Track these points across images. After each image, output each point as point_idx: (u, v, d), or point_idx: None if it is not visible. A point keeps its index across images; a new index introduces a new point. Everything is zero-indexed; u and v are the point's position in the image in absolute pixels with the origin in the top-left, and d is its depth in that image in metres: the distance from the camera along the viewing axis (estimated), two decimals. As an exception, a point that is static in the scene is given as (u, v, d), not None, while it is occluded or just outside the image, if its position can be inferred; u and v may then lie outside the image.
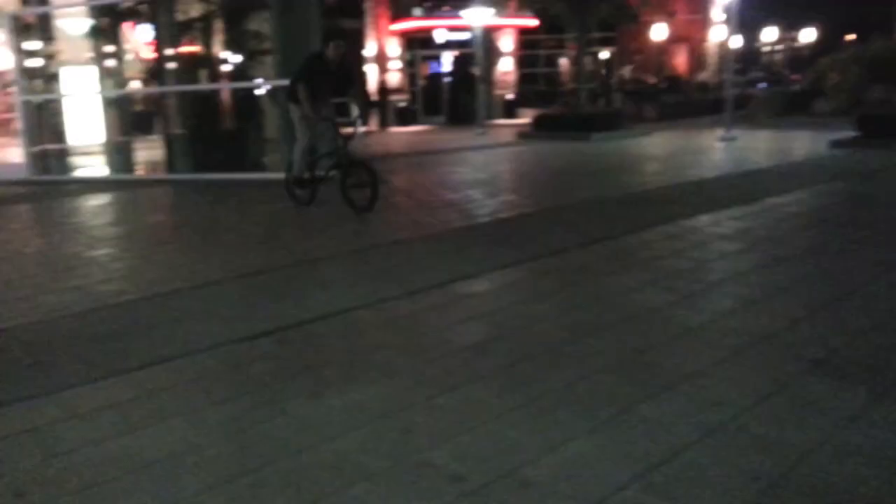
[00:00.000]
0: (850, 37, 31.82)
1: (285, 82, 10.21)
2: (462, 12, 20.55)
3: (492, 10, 20.00)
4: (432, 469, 2.28)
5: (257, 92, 12.52)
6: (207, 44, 13.58)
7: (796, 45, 37.82)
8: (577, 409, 2.66)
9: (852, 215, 6.22)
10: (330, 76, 6.93)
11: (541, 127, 16.97)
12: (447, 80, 25.68)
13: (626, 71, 28.80)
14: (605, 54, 28.39)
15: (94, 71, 12.58)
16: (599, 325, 3.56)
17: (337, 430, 2.56)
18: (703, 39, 29.57)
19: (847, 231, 5.56)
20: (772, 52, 38.51)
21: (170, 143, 11.82)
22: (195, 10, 13.12)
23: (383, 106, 24.16)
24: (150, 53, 12.85)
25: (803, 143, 13.10)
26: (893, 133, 11.29)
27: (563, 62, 27.95)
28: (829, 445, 2.34)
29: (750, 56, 36.85)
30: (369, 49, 25.06)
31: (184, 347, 3.45)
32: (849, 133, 12.15)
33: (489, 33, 24.15)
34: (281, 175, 7.89)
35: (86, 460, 2.43)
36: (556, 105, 22.74)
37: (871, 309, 3.68)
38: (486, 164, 11.81)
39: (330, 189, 7.25)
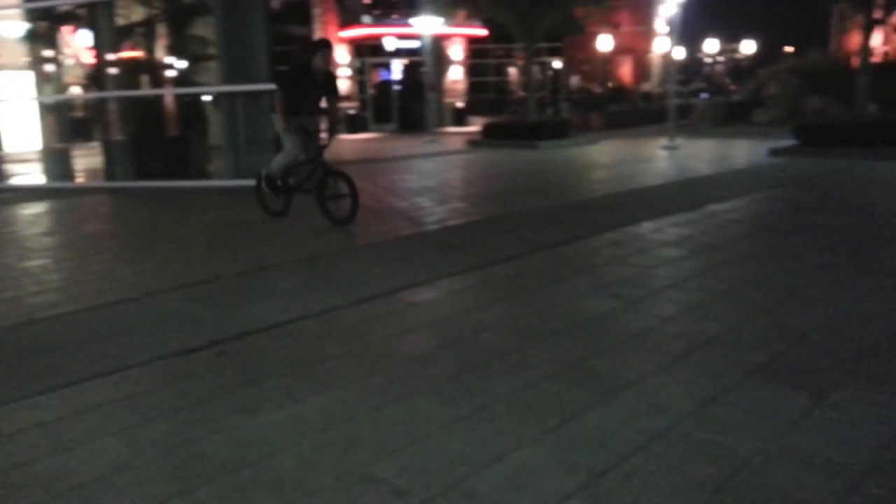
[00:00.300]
0: (789, 49, 32.98)
1: (233, 88, 10.07)
2: (411, 20, 20.57)
3: (440, 19, 20.07)
4: (376, 484, 2.22)
5: (204, 98, 12.27)
6: (150, 49, 13.25)
7: (737, 56, 38.99)
8: (524, 417, 2.64)
9: (791, 221, 6.39)
10: (316, 87, 6.63)
11: (490, 135, 17.08)
12: (397, 87, 25.66)
13: (574, 80, 29.25)
14: (553, 64, 28.78)
15: (30, 76, 12.14)
16: (546, 333, 3.56)
17: (277, 446, 2.48)
18: (647, 50, 30.27)
19: (786, 237, 5.71)
20: (714, 63, 39.61)
21: (109, 150, 11.47)
22: (137, 15, 12.80)
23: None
24: (90, 58, 12.49)
25: (743, 152, 13.46)
26: (829, 141, 11.70)
27: (512, 71, 28.24)
28: (770, 450, 2.36)
29: (693, 67, 37.85)
30: (318, 56, 24.85)
31: (119, 362, 3.31)
32: (787, 142, 12.54)
33: (439, 42, 24.24)
34: (226, 182, 7.72)
35: (10, 483, 2.29)
36: (506, 114, 22.94)
37: (811, 312, 3.76)
38: (436, 171, 11.81)
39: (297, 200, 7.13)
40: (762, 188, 8.41)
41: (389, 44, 25.12)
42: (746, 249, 5.30)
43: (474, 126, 22.22)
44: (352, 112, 24.77)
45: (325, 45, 6.67)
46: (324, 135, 7.01)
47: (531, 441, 2.47)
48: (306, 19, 24.38)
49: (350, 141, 21.11)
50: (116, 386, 3.06)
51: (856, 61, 15.52)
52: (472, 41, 26.66)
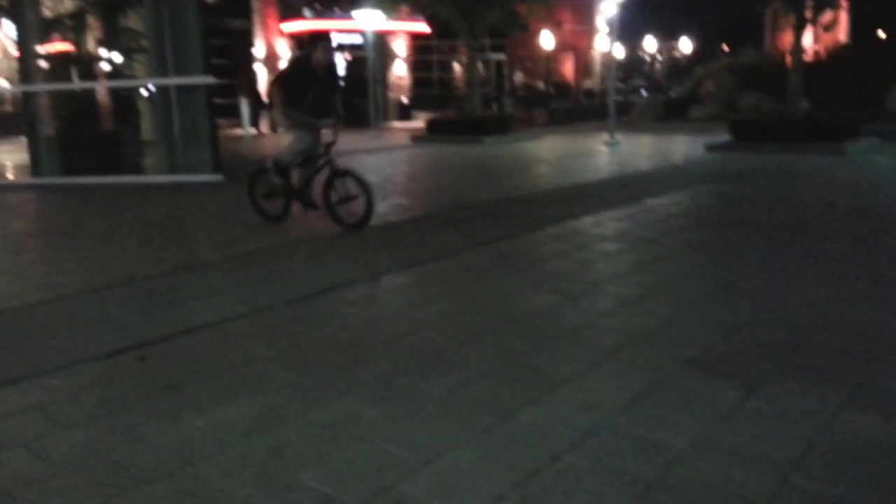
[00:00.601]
0: (725, 48, 33.84)
1: (167, 81, 9.74)
2: (354, 14, 20.33)
3: (383, 14, 19.90)
4: (300, 492, 2.12)
5: (143, 92, 11.88)
6: (80, 41, 12.74)
7: (675, 54, 39.84)
8: (458, 417, 2.58)
9: (726, 215, 6.51)
10: (317, 82, 6.19)
11: (434, 130, 17.03)
12: (340, 82, 25.36)
13: (518, 77, 29.44)
14: (497, 60, 28.89)
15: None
16: (483, 330, 3.51)
17: (198, 455, 2.35)
18: (588, 48, 30.67)
19: (721, 230, 5.80)
20: (653, 61, 40.39)
21: (37, 146, 10.98)
22: (65, 6, 12.29)
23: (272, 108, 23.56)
24: (17, 51, 11.93)
25: (681, 147, 13.72)
26: (763, 137, 12.02)
27: (456, 67, 28.24)
28: (702, 444, 2.36)
29: (632, 64, 38.55)
30: (258, 50, 24.37)
31: (32, 367, 3.12)
32: (723, 137, 12.83)
33: (382, 37, 24.05)
34: (160, 178, 7.42)
35: None
36: (450, 109, 22.92)
37: (744, 305, 3.81)
38: (378, 166, 11.68)
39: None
40: (698, 183, 8.56)
41: (336, 38, 24.82)
42: (682, 243, 5.36)
43: (419, 121, 22.13)
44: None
45: (325, 39, 6.35)
46: (327, 130, 6.42)
47: (464, 441, 2.40)
48: (246, 12, 23.87)
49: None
50: (28, 393, 2.87)
51: (789, 59, 16.00)
52: (416, 37, 26.57)
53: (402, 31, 25.55)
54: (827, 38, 23.36)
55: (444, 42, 26.71)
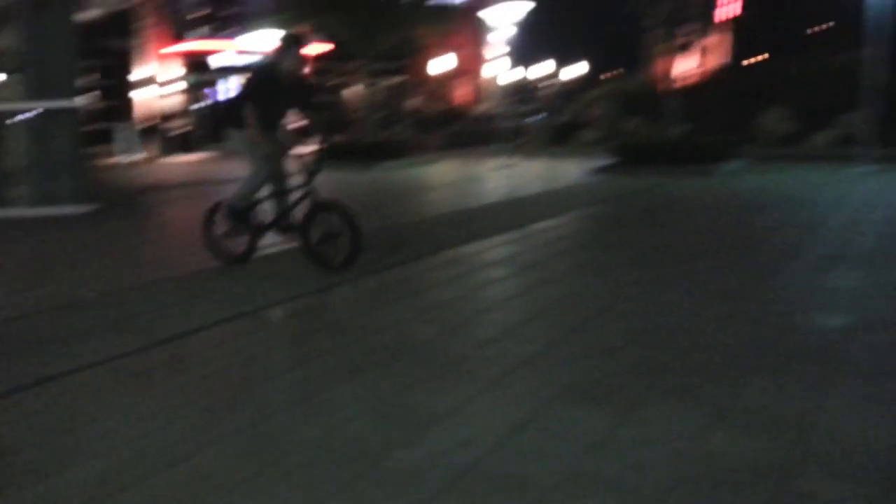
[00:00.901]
0: (612, 73, 35.38)
1: (33, 105, 9.10)
2: (248, 35, 19.89)
3: (277, 35, 19.57)
4: (141, 564, 1.92)
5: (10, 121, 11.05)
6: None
7: (567, 79, 41.28)
8: (325, 467, 2.43)
9: (607, 237, 6.69)
10: (285, 95, 5.35)
11: (329, 155, 16.79)
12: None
13: (414, 101, 29.64)
14: (395, 83, 28.99)
15: None
16: (361, 366, 3.38)
17: (26, 528, 2.10)
18: (481, 73, 31.30)
19: (602, 253, 5.94)
20: (545, 86, 41.70)
21: None
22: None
23: (159, 132, 22.64)
24: None
25: (570, 170, 14.12)
26: (644, 159, 12.55)
27: (352, 90, 28.11)
28: (571, 477, 2.32)
29: (526, 89, 39.65)
30: (142, 71, 23.42)
31: None
32: (608, 160, 13.30)
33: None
34: (26, 211, 6.84)
35: None
36: (343, 133, 22.73)
37: (621, 328, 3.86)
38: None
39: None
40: (584, 205, 8.79)
41: (225, 59, 24.17)
42: (565, 266, 5.44)
43: (312, 146, 21.83)
44: (181, 132, 23.54)
45: (296, 42, 5.31)
46: (302, 151, 5.56)
47: (329, 494, 2.26)
48: (128, 33, 22.91)
49: (178, 163, 20.00)
50: None
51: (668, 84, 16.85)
52: (316, 59, 26.27)
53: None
54: (707, 63, 24.84)
55: (342, 64, 26.59)
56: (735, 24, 28.05)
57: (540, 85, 40.90)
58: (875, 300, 4.26)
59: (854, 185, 10.04)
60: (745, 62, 30.16)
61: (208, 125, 24.18)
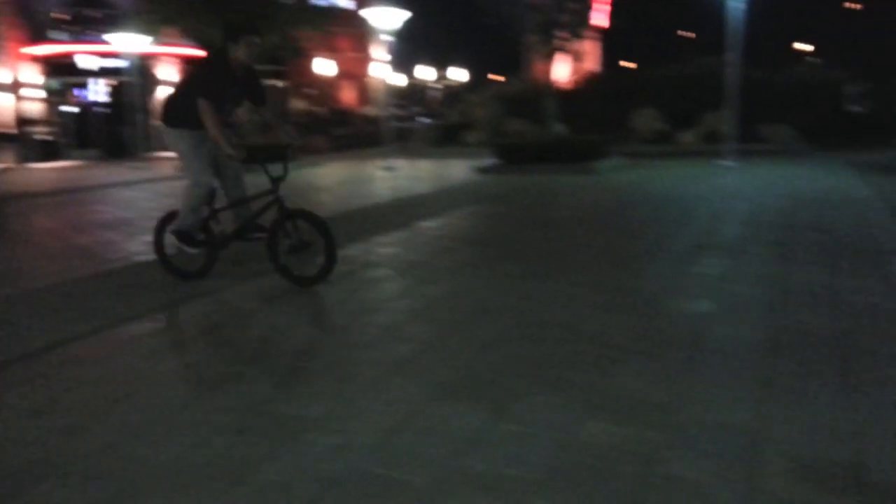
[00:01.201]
0: (495, 77, 36.13)
1: None
2: (113, 37, 18.76)
3: (146, 37, 18.60)
4: None
5: None
6: None
7: (451, 83, 41.78)
8: (186, 486, 2.26)
9: (491, 234, 6.75)
10: (236, 89, 4.72)
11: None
12: (100, 110, 23.29)
13: (299, 103, 29.05)
14: (277, 86, 28.28)
15: None
16: (228, 377, 3.20)
17: None
18: (367, 76, 31.12)
19: (483, 249, 5.97)
20: (431, 89, 42.02)
21: None
22: None
23: (20, 139, 21.03)
24: None
25: (454, 171, 14.22)
26: (525, 159, 12.84)
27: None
28: (446, 477, 2.27)
29: (412, 92, 39.79)
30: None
31: None
32: (491, 161, 13.51)
33: (147, 61, 22.50)
34: None
35: None
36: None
37: (498, 323, 3.87)
38: (135, 201, 10.75)
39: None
40: (467, 204, 8.86)
41: (89, 62, 22.75)
42: (446, 264, 5.42)
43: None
44: (44, 138, 21.97)
45: (251, 31, 4.63)
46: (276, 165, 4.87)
47: (187, 514, 2.10)
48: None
49: (41, 170, 18.65)
50: None
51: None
52: (188, 61, 25.19)
53: (170, 54, 24.09)
54: (583, 67, 25.79)
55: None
56: (609, 30, 29.35)
57: (427, 88, 41.20)
58: (736, 285, 4.50)
59: (718, 179, 10.67)
60: (619, 66, 31.66)
61: (75, 130, 22.72)
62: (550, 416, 2.69)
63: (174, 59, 24.55)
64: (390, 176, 13.41)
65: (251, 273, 5.23)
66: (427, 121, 27.46)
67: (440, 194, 10.35)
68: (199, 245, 4.94)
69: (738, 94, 12.86)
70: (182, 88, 4.85)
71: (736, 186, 9.69)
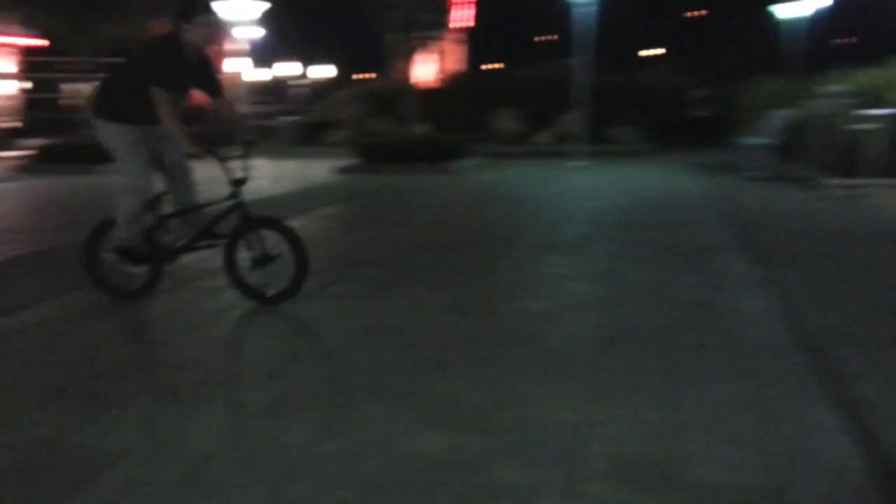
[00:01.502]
0: (364, 75, 35.86)
1: None
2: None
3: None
4: None
5: None
6: None
7: (314, 80, 41.00)
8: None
9: (344, 236, 6.60)
10: (187, 76, 4.15)
11: (46, 159, 14.91)
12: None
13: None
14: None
15: None
16: (30, 404, 2.86)
17: None
18: (226, 70, 29.88)
19: (335, 253, 5.81)
20: (296, 86, 41.03)
21: None
22: None
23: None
24: None
25: (315, 170, 13.87)
26: (386, 158, 12.75)
27: (75, 88, 25.28)
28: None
29: (276, 89, 38.69)
30: None
31: None
32: (355, 160, 13.31)
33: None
34: None
35: None
36: (66, 134, 20.34)
37: (339, 331, 3.73)
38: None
39: None
40: (324, 205, 8.64)
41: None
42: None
43: (30, 149, 19.23)
44: None
45: (206, 11, 4.07)
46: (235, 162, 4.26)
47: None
48: None
49: None
50: None
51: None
52: (29, 52, 23.14)
53: (9, 45, 22.00)
54: (449, 67, 26.06)
55: (65, 60, 23.71)
56: (471, 32, 29.87)
57: (289, 84, 40.19)
58: (575, 282, 4.61)
59: (569, 179, 11.05)
60: (481, 67, 32.32)
61: None
62: (381, 429, 2.59)
63: (16, 50, 22.48)
64: (250, 176, 12.87)
65: (67, 287, 4.77)
66: (290, 119, 26.73)
67: (299, 194, 10.05)
68: (145, 262, 4.34)
69: (588, 96, 13.39)
70: (121, 75, 4.28)
71: (584, 186, 10.07)
